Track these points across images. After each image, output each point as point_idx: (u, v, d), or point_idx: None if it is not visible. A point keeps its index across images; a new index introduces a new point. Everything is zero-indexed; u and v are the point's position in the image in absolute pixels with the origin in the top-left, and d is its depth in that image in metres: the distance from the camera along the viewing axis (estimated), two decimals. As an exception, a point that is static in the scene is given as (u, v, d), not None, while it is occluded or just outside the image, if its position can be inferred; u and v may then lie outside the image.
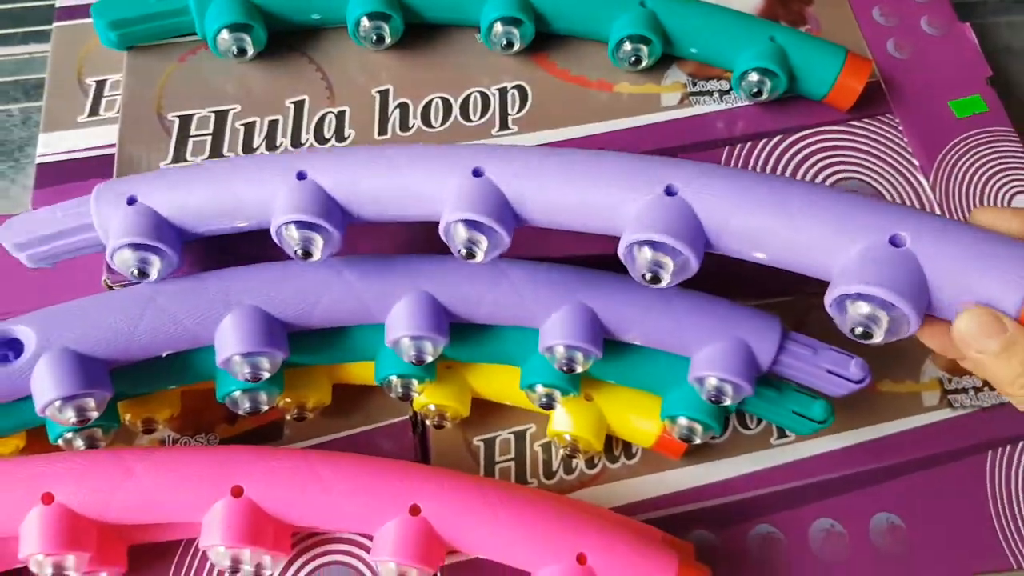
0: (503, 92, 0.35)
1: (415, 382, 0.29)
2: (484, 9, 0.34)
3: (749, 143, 0.34)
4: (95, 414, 0.25)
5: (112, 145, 0.33)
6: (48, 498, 0.25)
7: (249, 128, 0.33)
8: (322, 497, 0.26)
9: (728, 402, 0.27)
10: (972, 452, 0.33)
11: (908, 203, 0.34)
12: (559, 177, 0.24)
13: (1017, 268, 0.21)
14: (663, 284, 0.23)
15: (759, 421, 0.33)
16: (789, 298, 0.35)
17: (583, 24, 0.35)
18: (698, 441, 0.29)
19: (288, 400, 0.30)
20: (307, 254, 0.25)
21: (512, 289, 0.27)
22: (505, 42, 0.34)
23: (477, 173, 0.24)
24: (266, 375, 0.26)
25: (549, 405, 0.29)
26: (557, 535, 0.26)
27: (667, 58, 0.35)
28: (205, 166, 0.27)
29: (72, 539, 0.25)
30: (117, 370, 0.26)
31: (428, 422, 0.31)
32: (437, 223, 0.25)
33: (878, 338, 0.22)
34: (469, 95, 0.34)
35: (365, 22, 0.33)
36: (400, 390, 0.29)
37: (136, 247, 0.25)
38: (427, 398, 0.30)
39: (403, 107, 0.34)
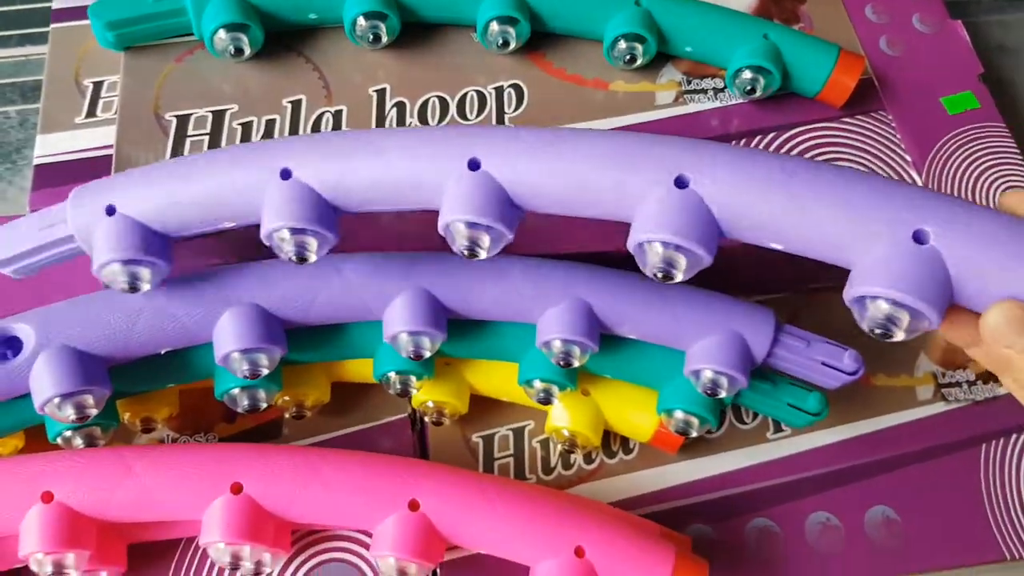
0: (499, 91, 0.35)
1: (413, 378, 0.29)
2: (480, 8, 0.34)
3: (744, 140, 0.35)
4: (94, 411, 0.25)
5: (110, 146, 0.33)
6: (48, 496, 0.25)
7: (247, 128, 0.33)
8: (321, 493, 0.26)
9: (723, 395, 0.27)
10: (966, 445, 0.33)
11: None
12: (561, 167, 0.23)
13: None
14: (676, 280, 0.22)
15: (755, 416, 0.33)
16: (783, 294, 0.35)
17: (578, 23, 0.35)
18: (694, 434, 0.29)
19: (287, 398, 0.30)
20: (302, 259, 0.24)
21: (509, 284, 0.27)
22: (501, 41, 0.34)
23: (474, 166, 0.23)
24: (264, 372, 0.26)
25: (547, 400, 0.29)
26: (555, 529, 0.26)
27: (662, 56, 0.35)
28: (181, 165, 0.25)
29: (72, 537, 0.25)
30: (116, 368, 0.27)
31: (427, 419, 0.31)
32: (433, 214, 0.24)
33: (898, 338, 0.21)
34: (466, 94, 0.35)
35: (362, 21, 0.34)
36: (398, 386, 0.30)
37: (125, 262, 0.24)
38: (426, 395, 0.30)
39: (400, 106, 0.34)
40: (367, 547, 0.29)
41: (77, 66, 0.37)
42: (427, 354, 0.27)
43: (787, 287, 0.35)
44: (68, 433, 0.27)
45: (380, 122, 0.34)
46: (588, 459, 0.32)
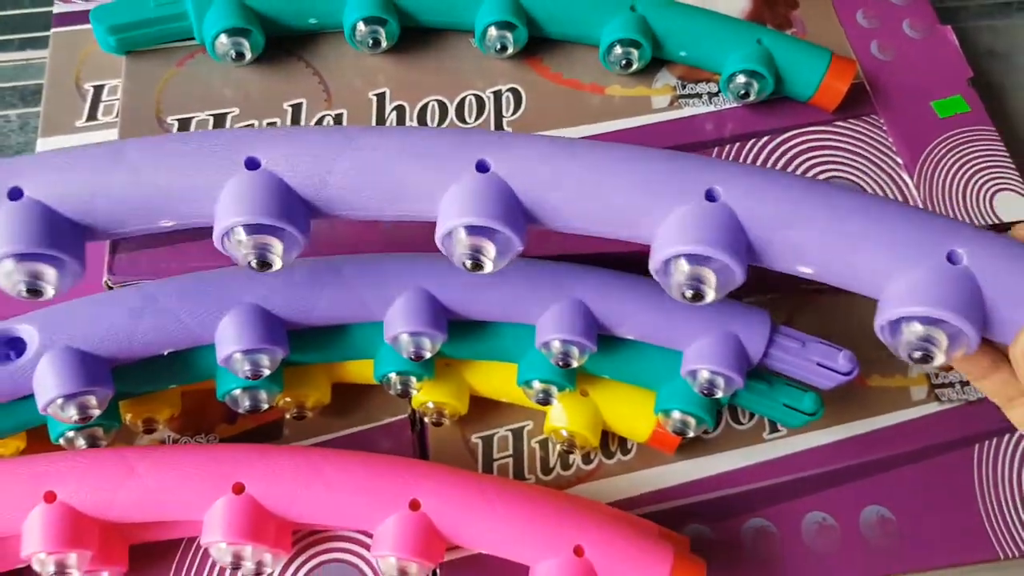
0: (497, 95, 0.35)
1: (414, 379, 0.30)
2: (478, 14, 0.34)
3: (738, 144, 0.35)
4: (97, 412, 0.25)
5: (110, 149, 0.33)
6: (51, 497, 0.25)
7: (247, 131, 0.33)
8: (323, 493, 0.26)
9: (720, 395, 0.27)
10: (959, 445, 0.33)
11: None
12: (582, 179, 0.21)
13: None
14: (706, 301, 0.21)
15: (751, 416, 0.34)
16: (779, 295, 0.36)
17: (575, 28, 0.36)
18: (691, 434, 0.30)
19: (288, 399, 0.30)
20: (264, 264, 0.20)
21: (509, 285, 0.28)
22: (499, 46, 0.35)
23: (482, 167, 0.21)
24: (266, 372, 0.26)
25: (546, 401, 0.30)
26: (555, 528, 0.26)
27: (657, 61, 0.36)
28: (116, 148, 0.21)
29: (74, 537, 0.25)
30: (118, 369, 0.27)
31: (427, 420, 0.32)
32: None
33: (938, 361, 0.20)
34: (464, 98, 0.35)
35: (361, 26, 0.34)
36: (399, 387, 0.30)
37: (21, 257, 0.20)
38: (426, 396, 0.31)
39: (400, 110, 0.34)
40: (367, 547, 0.29)
41: (78, 70, 0.37)
42: (428, 355, 0.27)
43: (782, 288, 0.36)
44: (71, 434, 0.27)
45: (380, 125, 0.34)
46: (586, 459, 0.32)
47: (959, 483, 0.33)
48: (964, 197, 0.35)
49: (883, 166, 0.35)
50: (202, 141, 0.21)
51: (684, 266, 0.20)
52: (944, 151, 0.36)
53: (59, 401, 0.25)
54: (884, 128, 0.36)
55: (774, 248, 0.21)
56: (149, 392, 0.29)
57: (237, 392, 0.28)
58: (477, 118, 0.35)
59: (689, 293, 0.21)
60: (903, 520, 0.32)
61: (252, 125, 0.34)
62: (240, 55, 0.34)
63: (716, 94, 0.36)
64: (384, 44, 0.35)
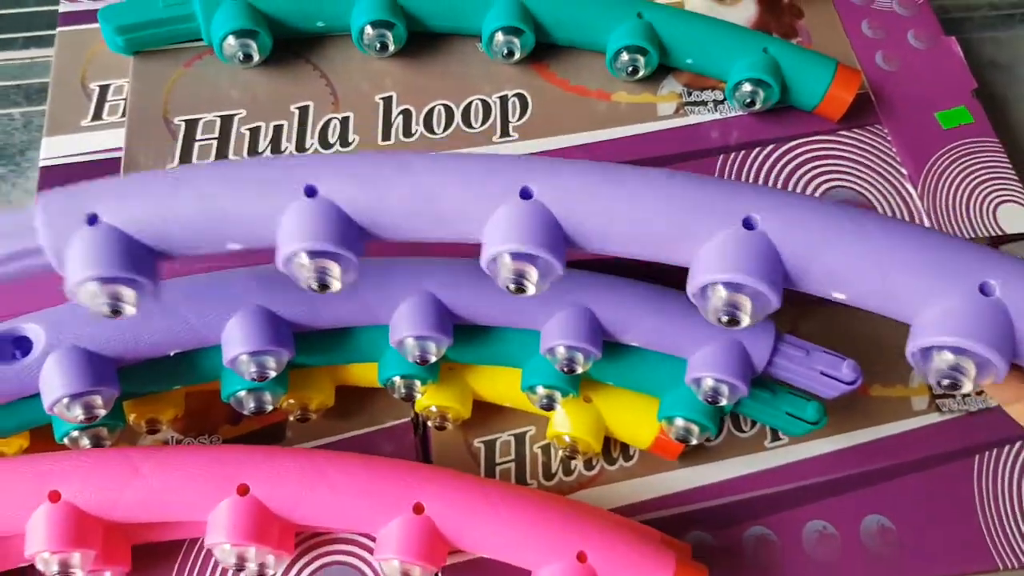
0: (504, 100, 0.35)
1: (418, 383, 0.30)
2: (486, 19, 0.34)
3: (743, 152, 0.35)
4: (102, 412, 0.25)
5: (116, 149, 0.33)
6: (55, 496, 0.25)
7: (254, 133, 0.33)
8: (328, 496, 0.26)
9: (724, 402, 0.27)
10: (960, 455, 0.33)
11: (897, 210, 0.35)
12: (623, 207, 0.21)
13: None
14: (742, 327, 0.21)
15: (753, 424, 0.34)
16: (783, 305, 0.36)
17: (582, 35, 0.36)
18: (694, 442, 0.30)
19: (291, 401, 0.30)
20: (324, 286, 0.22)
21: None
22: (506, 51, 0.35)
23: (526, 194, 0.21)
24: (272, 374, 0.26)
25: (549, 406, 0.30)
26: (558, 534, 0.26)
27: (663, 69, 0.36)
28: (183, 176, 0.22)
29: (78, 537, 0.25)
30: (123, 369, 0.27)
31: (430, 423, 0.32)
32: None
33: (966, 389, 0.21)
34: (471, 102, 0.35)
35: (369, 30, 0.34)
36: (403, 391, 0.30)
37: (104, 281, 0.21)
38: (429, 399, 0.31)
39: (406, 113, 0.35)
40: (369, 550, 0.29)
41: (84, 69, 0.37)
42: (433, 359, 0.27)
43: (787, 297, 0.36)
44: (75, 433, 0.27)
45: (386, 129, 0.34)
46: (589, 465, 0.32)
47: (960, 493, 0.33)
48: (967, 208, 0.35)
49: (887, 176, 0.36)
50: (261, 169, 0.22)
51: (722, 292, 0.21)
52: (948, 162, 0.36)
53: (65, 400, 0.25)
54: (888, 138, 0.36)
55: (810, 276, 0.21)
56: (154, 392, 0.29)
57: (242, 393, 0.28)
58: (483, 123, 0.35)
59: (725, 319, 0.21)
60: (903, 530, 0.32)
61: (259, 127, 0.34)
62: (248, 57, 0.34)
63: (722, 102, 0.36)
64: (391, 48, 0.35)
